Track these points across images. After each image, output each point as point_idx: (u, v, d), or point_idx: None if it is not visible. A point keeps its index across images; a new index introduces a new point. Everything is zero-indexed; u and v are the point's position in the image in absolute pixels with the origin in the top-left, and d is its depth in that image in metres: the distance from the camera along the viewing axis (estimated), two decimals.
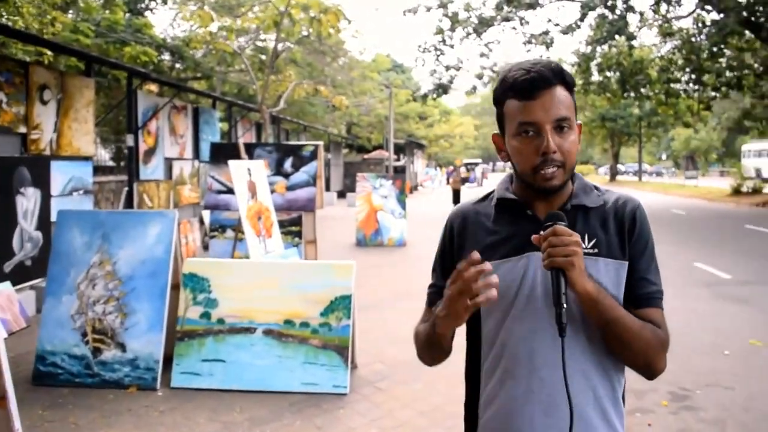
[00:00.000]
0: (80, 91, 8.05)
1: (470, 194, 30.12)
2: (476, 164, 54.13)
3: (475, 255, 1.27)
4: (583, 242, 1.37)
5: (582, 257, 1.30)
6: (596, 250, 1.40)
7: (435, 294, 1.56)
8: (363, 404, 4.50)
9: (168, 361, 4.88)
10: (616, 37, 21.59)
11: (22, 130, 7.03)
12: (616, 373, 1.43)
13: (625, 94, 26.35)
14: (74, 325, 4.96)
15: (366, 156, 36.32)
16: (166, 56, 21.92)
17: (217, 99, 14.37)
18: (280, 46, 23.58)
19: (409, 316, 7.00)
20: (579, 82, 26.75)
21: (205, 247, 10.92)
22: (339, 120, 33.47)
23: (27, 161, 7.07)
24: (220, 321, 4.89)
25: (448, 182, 40.36)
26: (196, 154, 12.38)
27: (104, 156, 13.13)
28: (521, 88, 1.36)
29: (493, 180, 52.34)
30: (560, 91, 1.37)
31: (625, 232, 1.42)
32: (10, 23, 9.07)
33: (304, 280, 4.89)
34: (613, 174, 54.75)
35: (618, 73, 24.73)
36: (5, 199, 6.72)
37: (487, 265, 1.26)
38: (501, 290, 1.33)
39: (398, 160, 36.34)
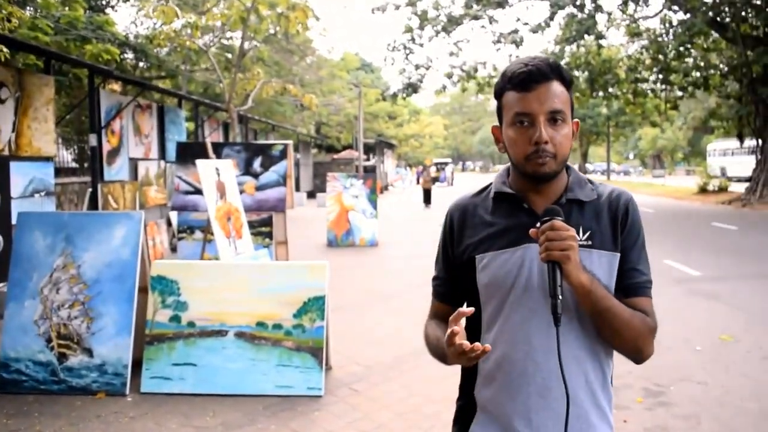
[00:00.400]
0: (39, 89, 7.78)
1: (441, 194, 30.26)
2: (446, 164, 54.33)
3: (469, 310, 1.38)
4: (578, 235, 1.42)
5: (577, 251, 1.36)
6: (590, 242, 1.46)
7: (440, 286, 1.66)
8: (339, 406, 4.42)
9: (137, 365, 4.74)
10: (585, 36, 21.83)
11: None
12: (606, 358, 1.50)
13: (594, 94, 26.70)
14: (38, 330, 4.79)
15: (335, 156, 36.21)
16: (130, 55, 21.49)
17: (182, 98, 14.12)
18: (246, 45, 23.35)
19: (383, 317, 6.99)
20: None
21: (173, 249, 10.71)
22: (308, 120, 33.27)
23: None
24: (191, 324, 4.76)
25: (418, 182, 40.45)
26: (162, 154, 12.13)
27: (66, 157, 12.77)
28: (519, 81, 1.43)
29: (460, 181, 52.52)
30: (556, 86, 1.44)
31: (618, 225, 1.49)
32: None
33: (276, 282, 4.80)
34: (582, 173, 55.31)
35: (586, 73, 25.02)
36: None
37: (467, 345, 1.31)
38: (499, 280, 1.47)
39: (368, 159, 36.31)
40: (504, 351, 1.47)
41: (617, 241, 1.47)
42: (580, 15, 21.84)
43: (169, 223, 11.63)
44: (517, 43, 22.61)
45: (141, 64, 21.60)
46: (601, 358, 1.48)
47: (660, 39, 23.75)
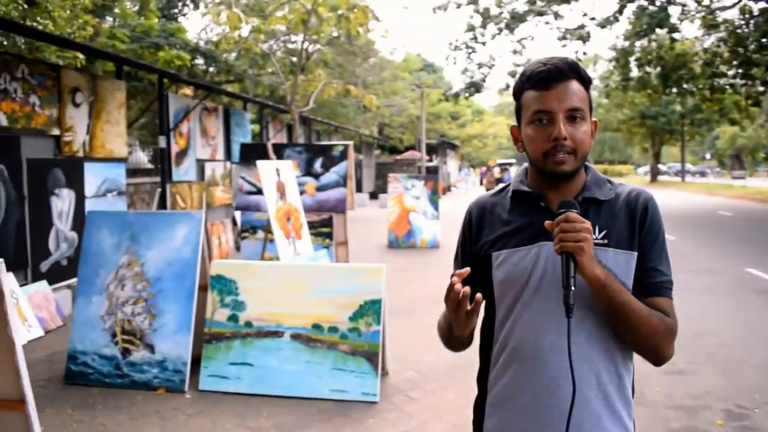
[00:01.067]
0: (112, 93, 8.08)
1: None
2: (510, 164, 53.46)
3: (464, 270, 1.41)
4: (594, 233, 1.43)
5: (592, 244, 1.37)
6: (606, 241, 1.46)
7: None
8: (394, 414, 4.35)
9: (196, 363, 4.82)
10: (657, 30, 20.92)
11: (55, 132, 7.07)
12: (623, 361, 1.47)
13: (667, 90, 25.51)
14: (104, 325, 4.94)
15: (398, 157, 36.17)
16: (200, 60, 22.13)
17: (247, 100, 14.38)
18: (310, 48, 23.65)
19: None
20: (617, 78, 26.03)
21: (238, 248, 10.93)
22: (371, 121, 33.37)
23: (61, 163, 7.13)
24: (248, 324, 4.80)
25: (481, 183, 40.00)
26: (228, 155, 12.40)
27: (143, 158, 13.23)
28: (538, 80, 1.45)
29: None
30: (575, 85, 1.46)
31: (635, 224, 1.47)
32: (40, 27, 9.15)
33: (333, 284, 4.77)
34: (654, 174, 52.61)
35: (659, 68, 23.93)
36: (40, 200, 6.80)
37: (459, 286, 1.38)
38: (513, 277, 1.49)
39: (431, 160, 36.13)
40: (515, 346, 1.48)
41: (634, 240, 1.46)
42: (651, 8, 20.94)
43: (234, 223, 11.88)
44: (584, 39, 21.88)
45: (211, 69, 22.22)
46: (617, 361, 1.46)
47: (739, 30, 22.47)
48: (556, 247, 1.36)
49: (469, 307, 1.39)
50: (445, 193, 34.29)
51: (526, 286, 1.47)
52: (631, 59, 23.67)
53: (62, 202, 7.14)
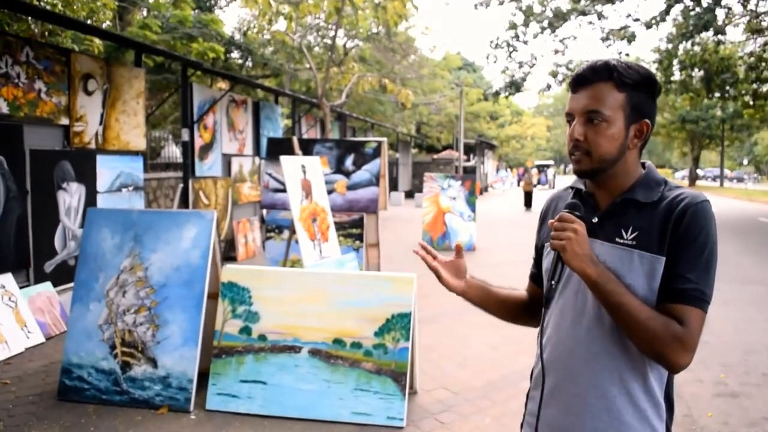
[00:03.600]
0: (129, 81, 7.60)
1: (542, 197, 28.85)
2: (548, 166, 52.23)
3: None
4: (626, 234, 1.46)
5: (577, 242, 1.42)
6: (634, 243, 1.45)
7: (533, 266, 1.80)
8: None
9: (203, 379, 4.31)
10: (703, 32, 19.97)
11: (64, 121, 6.60)
12: (650, 360, 1.44)
13: (710, 94, 24.48)
14: (102, 336, 4.45)
15: (436, 156, 35.59)
16: (236, 54, 21.82)
17: (278, 93, 13.89)
18: (348, 44, 23.19)
19: (477, 332, 6.22)
20: (659, 80, 24.99)
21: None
22: (408, 119, 32.76)
23: (70, 155, 6.67)
24: (262, 337, 4.26)
25: (519, 184, 39.05)
26: (257, 150, 11.91)
27: (177, 152, 12.87)
28: (570, 83, 1.54)
29: (562, 184, 50.47)
30: (603, 88, 1.47)
31: (668, 227, 1.43)
32: (51, 9, 8.73)
33: (357, 294, 4.20)
34: (693, 179, 51.49)
35: (702, 71, 22.93)
36: (45, 194, 6.34)
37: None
38: (548, 269, 1.59)
39: (468, 160, 35.48)
40: (549, 335, 1.57)
41: (664, 244, 1.42)
42: (697, 9, 19.96)
43: (262, 221, 11.41)
44: (629, 39, 20.99)
45: (247, 63, 21.90)
46: (640, 359, 1.45)
47: None
48: (549, 244, 1.48)
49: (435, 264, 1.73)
50: (481, 194, 33.53)
51: (559, 282, 1.56)
52: (674, 62, 22.75)
53: (71, 197, 6.69)
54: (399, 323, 4.12)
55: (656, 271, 1.41)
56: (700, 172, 60.68)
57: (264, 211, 10.02)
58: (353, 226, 8.21)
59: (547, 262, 1.60)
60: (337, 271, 5.04)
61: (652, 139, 59.51)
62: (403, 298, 4.17)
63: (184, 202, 9.08)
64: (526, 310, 1.77)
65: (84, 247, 4.63)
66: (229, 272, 4.44)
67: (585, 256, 1.40)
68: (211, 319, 4.43)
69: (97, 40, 10.35)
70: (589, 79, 1.47)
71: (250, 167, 11.62)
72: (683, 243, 1.40)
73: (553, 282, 1.50)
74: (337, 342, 4.16)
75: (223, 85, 16.45)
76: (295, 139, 7.90)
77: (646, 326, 1.37)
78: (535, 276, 1.77)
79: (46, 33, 9.76)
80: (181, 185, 9.14)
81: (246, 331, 4.30)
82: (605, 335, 1.45)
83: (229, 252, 10.68)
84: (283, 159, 5.97)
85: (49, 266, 6.36)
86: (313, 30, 19.53)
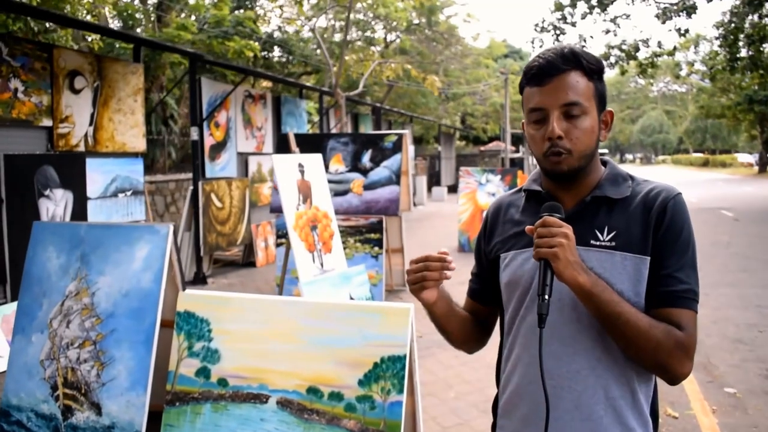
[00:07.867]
0: (124, 78, 6.92)
1: None
2: (603, 155, 50.37)
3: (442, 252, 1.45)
4: (602, 235, 1.36)
5: (569, 249, 1.28)
6: (613, 244, 1.36)
7: (472, 282, 1.69)
8: None
9: (155, 421, 3.56)
10: None
11: (47, 123, 5.98)
12: (638, 374, 1.35)
13: None
14: (44, 374, 3.74)
15: (482, 148, 34.51)
16: (276, 52, 21.29)
17: (293, 85, 13.11)
18: (389, 37, 22.35)
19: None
20: (723, 58, 23.27)
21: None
22: (452, 110, 31.70)
23: (52, 159, 6.03)
24: (222, 382, 3.45)
25: None
26: (278, 148, 11.21)
27: None
28: (533, 75, 1.39)
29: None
30: (573, 77, 1.36)
31: (650, 225, 1.35)
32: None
33: (335, 330, 3.34)
34: (764, 163, 48.67)
35: None
36: (23, 202, 5.71)
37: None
38: (516, 280, 1.45)
39: (516, 151, 34.29)
40: (518, 354, 1.45)
41: (647, 243, 1.34)
42: None
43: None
44: (688, 12, 19.41)
45: (289, 59, 21.34)
46: (629, 374, 1.35)
47: None
48: (533, 253, 1.30)
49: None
50: None
51: (531, 289, 1.41)
52: (741, 36, 20.99)
53: (55, 205, 6.06)
54: (390, 369, 3.23)
55: (641, 273, 1.33)
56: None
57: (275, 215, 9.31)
58: (371, 231, 7.38)
59: (509, 275, 1.45)
60: (309, 299, 4.17)
61: (716, 122, 57.06)
62: (395, 336, 3.28)
63: (194, 206, 8.42)
64: (477, 331, 1.64)
65: (28, 268, 3.92)
66: (187, 299, 3.65)
67: (577, 264, 1.29)
68: (165, 353, 3.66)
69: (93, 35, 9.81)
70: (559, 68, 1.35)
71: (270, 166, 10.92)
72: (669, 241, 1.33)
73: (546, 297, 1.28)
74: (312, 391, 3.32)
75: (266, 83, 15.80)
76: (291, 134, 7.10)
77: (647, 336, 1.27)
78: (478, 292, 1.64)
79: (43, 30, 9.25)
80: (191, 188, 8.47)
81: (204, 373, 3.50)
82: (587, 350, 1.34)
83: (248, 257, 10.01)
84: (276, 158, 5.18)
85: None
86: (328, 13, 18.81)
